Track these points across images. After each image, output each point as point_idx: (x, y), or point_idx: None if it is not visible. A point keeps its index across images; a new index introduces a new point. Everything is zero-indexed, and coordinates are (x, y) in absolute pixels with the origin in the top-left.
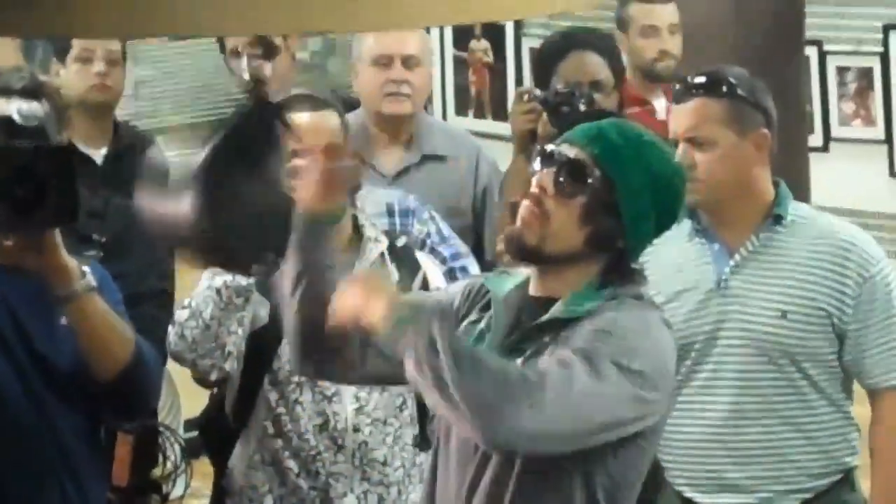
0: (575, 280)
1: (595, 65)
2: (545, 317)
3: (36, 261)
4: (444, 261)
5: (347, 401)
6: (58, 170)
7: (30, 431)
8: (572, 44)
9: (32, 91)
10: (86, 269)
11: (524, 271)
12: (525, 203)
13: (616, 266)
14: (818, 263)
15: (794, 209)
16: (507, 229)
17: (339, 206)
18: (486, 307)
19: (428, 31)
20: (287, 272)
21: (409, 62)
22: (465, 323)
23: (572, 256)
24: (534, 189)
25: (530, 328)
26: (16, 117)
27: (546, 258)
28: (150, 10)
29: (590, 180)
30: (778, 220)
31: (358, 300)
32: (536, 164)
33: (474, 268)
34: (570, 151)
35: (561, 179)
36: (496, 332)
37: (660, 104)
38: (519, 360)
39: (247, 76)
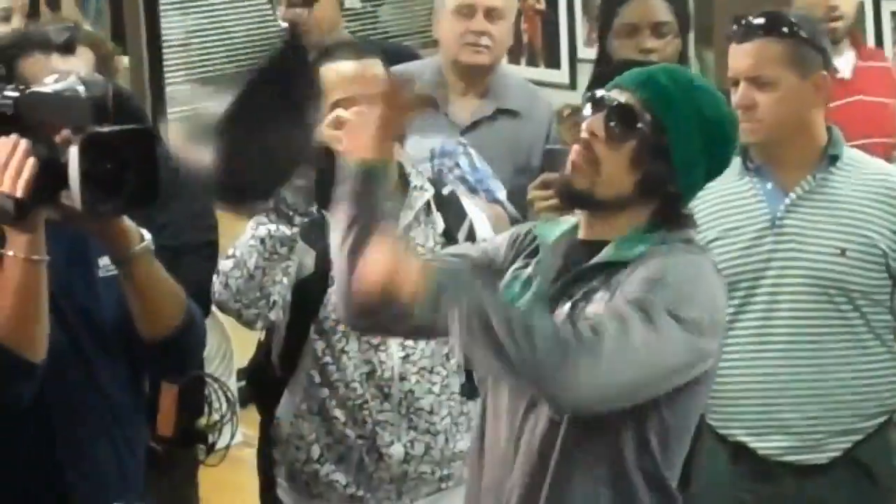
0: (625, 225)
1: (658, 8)
2: (595, 259)
3: (99, 224)
4: (472, 189)
5: (394, 350)
6: (139, 150)
7: (76, 383)
8: None
9: (71, 45)
10: (144, 231)
11: (572, 218)
12: (575, 148)
13: (666, 211)
14: (874, 204)
15: (848, 152)
16: (559, 175)
17: (391, 157)
18: (534, 253)
19: None
20: (337, 223)
21: (491, 14)
22: (511, 269)
23: (623, 201)
24: (584, 134)
25: (580, 271)
26: (80, 89)
27: (596, 203)
28: None
29: (640, 125)
30: (833, 160)
31: (386, 269)
32: (587, 110)
33: (501, 193)
34: (621, 96)
35: (611, 124)
36: (545, 277)
37: (842, 62)
38: (567, 305)
39: (283, 24)
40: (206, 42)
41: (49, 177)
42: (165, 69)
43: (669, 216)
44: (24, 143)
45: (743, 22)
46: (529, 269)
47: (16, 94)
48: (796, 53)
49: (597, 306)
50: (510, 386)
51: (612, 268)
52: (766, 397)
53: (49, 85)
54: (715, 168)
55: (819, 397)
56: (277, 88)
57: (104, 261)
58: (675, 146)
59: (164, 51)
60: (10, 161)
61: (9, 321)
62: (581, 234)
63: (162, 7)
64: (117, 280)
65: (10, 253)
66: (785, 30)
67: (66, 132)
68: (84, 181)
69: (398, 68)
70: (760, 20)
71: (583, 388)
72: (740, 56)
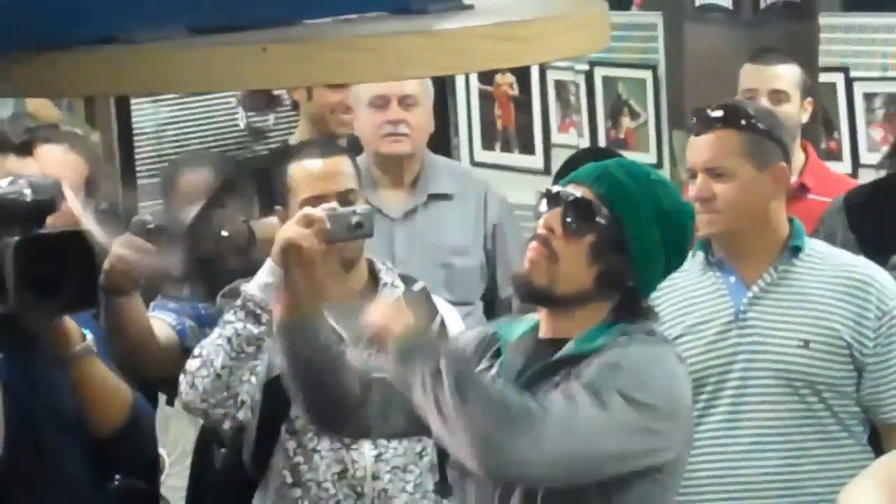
0: (586, 320)
1: None
2: (556, 356)
3: (37, 324)
4: None
5: (366, 448)
6: (78, 253)
7: (36, 465)
8: None
9: (28, 146)
10: (86, 331)
11: (534, 316)
12: (532, 244)
13: (627, 304)
14: (837, 295)
15: (809, 243)
16: (515, 272)
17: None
18: (498, 353)
19: None
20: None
21: (405, 101)
22: (477, 370)
23: (583, 296)
24: (541, 230)
25: (541, 368)
26: (27, 192)
27: (556, 299)
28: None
29: (598, 219)
30: (795, 252)
31: (383, 319)
32: (542, 206)
33: None
34: (577, 191)
35: (568, 219)
36: (507, 376)
37: None
38: None
39: (242, 125)
40: (178, 133)
41: None
42: (137, 160)
43: (630, 309)
44: None
45: (701, 114)
46: (493, 370)
47: None
48: (754, 145)
49: None
50: (478, 477)
51: (573, 363)
52: (734, 491)
53: None
54: (674, 260)
55: (788, 490)
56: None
57: None
58: (633, 239)
59: (136, 140)
60: None
61: None
62: (542, 333)
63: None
64: None
65: None
66: (743, 121)
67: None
68: (20, 283)
69: None
70: (718, 112)
71: (519, 458)
72: (698, 148)
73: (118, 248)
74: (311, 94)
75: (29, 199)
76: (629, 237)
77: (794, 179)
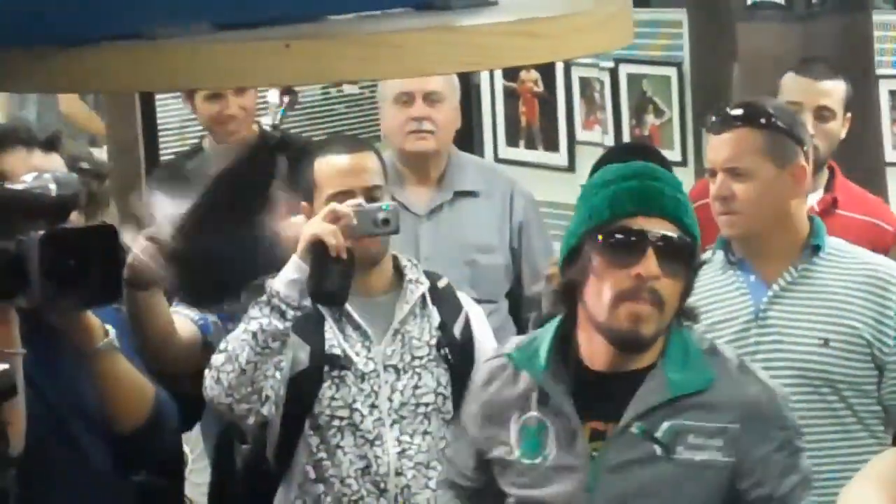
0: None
1: None
2: (670, 395)
3: (61, 319)
4: None
5: (390, 445)
6: (102, 247)
7: (61, 461)
8: None
9: (54, 142)
10: (108, 327)
11: (540, 333)
12: (635, 296)
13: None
14: (858, 294)
15: (830, 242)
16: (618, 328)
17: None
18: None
19: None
20: None
21: (430, 98)
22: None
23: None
24: (642, 276)
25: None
26: (52, 187)
27: (653, 342)
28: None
29: (690, 255)
30: (815, 251)
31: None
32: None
33: None
34: (659, 228)
35: (666, 263)
36: (563, 411)
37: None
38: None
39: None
40: (202, 130)
41: (11, 272)
42: (161, 156)
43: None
44: None
45: (721, 113)
46: (534, 413)
47: None
48: (774, 144)
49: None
50: None
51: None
52: None
53: (21, 182)
54: None
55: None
56: (244, 190)
57: None
58: (696, 256)
59: (160, 136)
60: None
61: None
62: (598, 366)
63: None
64: None
65: None
66: (763, 120)
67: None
68: (44, 277)
69: None
70: (738, 111)
71: None
72: (718, 147)
73: (142, 242)
74: (193, 105)
75: (54, 193)
76: (696, 255)
77: (820, 195)
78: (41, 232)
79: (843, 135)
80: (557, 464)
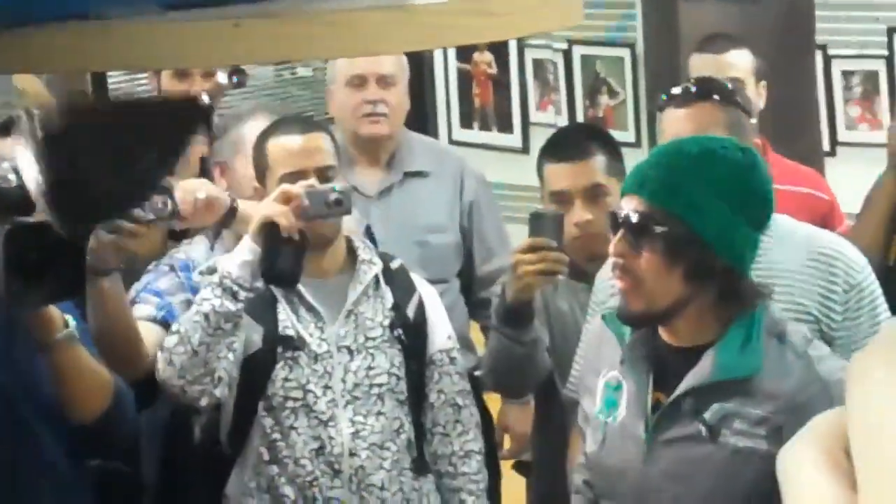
0: (698, 318)
1: None
2: (712, 379)
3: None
4: None
5: (344, 425)
6: (65, 241)
7: (15, 452)
8: None
9: (8, 126)
10: (68, 317)
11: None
12: (616, 275)
13: (730, 287)
14: (805, 270)
15: (775, 219)
16: (619, 308)
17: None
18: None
19: None
20: None
21: (384, 81)
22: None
23: (682, 301)
24: (616, 259)
25: (699, 389)
26: (12, 178)
27: (662, 315)
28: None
29: (657, 228)
30: None
31: None
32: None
33: None
34: (628, 206)
35: (630, 239)
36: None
37: None
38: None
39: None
40: None
41: None
42: None
43: (735, 291)
44: None
45: (682, 87)
46: (615, 373)
47: None
48: (734, 119)
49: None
50: None
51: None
52: None
53: None
54: (757, 217)
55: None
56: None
57: None
58: (699, 226)
59: None
60: None
61: None
62: (665, 337)
63: None
64: None
65: None
66: (721, 96)
67: None
68: (8, 272)
69: None
70: (700, 86)
71: None
72: (682, 120)
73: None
74: (159, 84)
75: (14, 184)
76: (693, 226)
77: None
78: (5, 227)
79: (761, 104)
80: (623, 426)
